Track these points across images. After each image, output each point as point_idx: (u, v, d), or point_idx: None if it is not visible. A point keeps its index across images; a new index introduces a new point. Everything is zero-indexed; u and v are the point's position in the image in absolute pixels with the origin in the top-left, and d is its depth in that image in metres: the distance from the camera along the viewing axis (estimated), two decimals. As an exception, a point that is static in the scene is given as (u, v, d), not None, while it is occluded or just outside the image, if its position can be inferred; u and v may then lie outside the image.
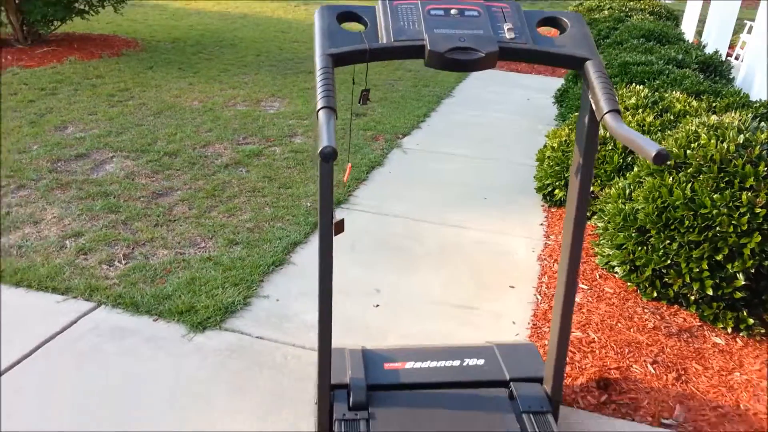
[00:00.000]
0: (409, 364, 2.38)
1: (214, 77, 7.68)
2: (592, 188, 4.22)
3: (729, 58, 7.36)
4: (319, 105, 1.60)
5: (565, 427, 2.49)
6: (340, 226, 1.87)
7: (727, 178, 3.14)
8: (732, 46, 11.17)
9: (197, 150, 5.13)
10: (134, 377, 2.65)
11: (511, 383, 2.29)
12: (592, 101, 1.78)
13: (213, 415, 2.47)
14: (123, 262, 3.45)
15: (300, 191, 4.48)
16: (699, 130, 3.44)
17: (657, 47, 6.87)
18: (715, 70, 6.67)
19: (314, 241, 3.86)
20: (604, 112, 1.69)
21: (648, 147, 1.48)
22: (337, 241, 3.87)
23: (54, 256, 3.46)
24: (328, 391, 2.14)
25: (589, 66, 1.80)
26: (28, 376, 2.61)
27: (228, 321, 3.03)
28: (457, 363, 2.40)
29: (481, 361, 2.42)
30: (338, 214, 4.24)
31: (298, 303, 3.19)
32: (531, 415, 2.17)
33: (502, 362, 2.39)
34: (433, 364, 2.39)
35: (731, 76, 6.97)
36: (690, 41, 7.77)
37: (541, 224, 4.30)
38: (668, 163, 3.40)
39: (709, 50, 7.46)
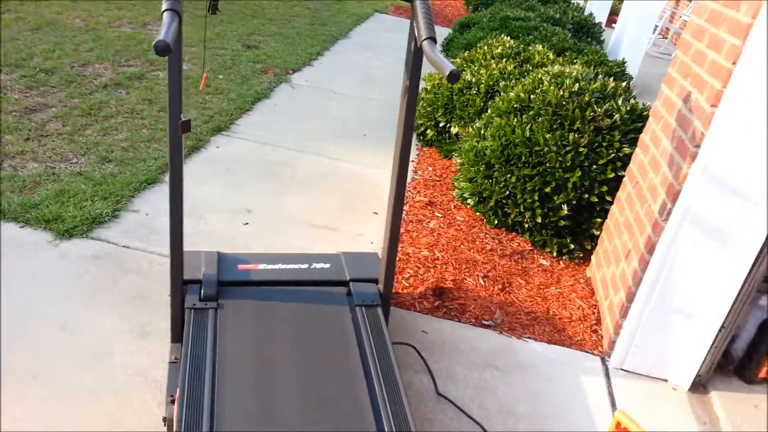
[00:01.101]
0: (261, 266, 2.64)
1: (101, -1, 7.38)
2: (456, 129, 4.59)
3: (612, 26, 7.94)
4: (164, 7, 1.77)
5: (401, 325, 2.86)
6: (186, 126, 2.04)
7: (559, 121, 3.57)
8: (615, 14, 11.92)
9: (75, 69, 5.03)
10: (-4, 277, 2.75)
11: (351, 283, 2.61)
12: (415, 29, 2.05)
13: (74, 310, 2.63)
14: (-11, 172, 3.45)
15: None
16: (543, 78, 3.85)
17: (538, 5, 7.31)
18: (588, 31, 7.22)
19: (191, 164, 3.99)
20: (423, 38, 1.97)
21: (445, 67, 1.78)
22: (214, 165, 4.03)
23: None
24: (181, 285, 2.36)
25: (416, 0, 2.06)
26: None
27: (95, 231, 3.16)
28: (305, 266, 2.69)
29: (327, 265, 2.72)
30: (217, 140, 4.38)
31: (167, 218, 3.35)
32: (364, 308, 2.50)
33: (345, 266, 2.70)
34: (284, 266, 2.67)
35: (602, 39, 7.55)
36: (575, 4, 8.30)
37: (412, 161, 4.63)
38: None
39: (587, 13, 8.02)
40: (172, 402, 2.10)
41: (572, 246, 3.62)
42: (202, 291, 2.41)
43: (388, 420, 2.04)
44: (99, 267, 2.91)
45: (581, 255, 3.64)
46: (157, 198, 3.53)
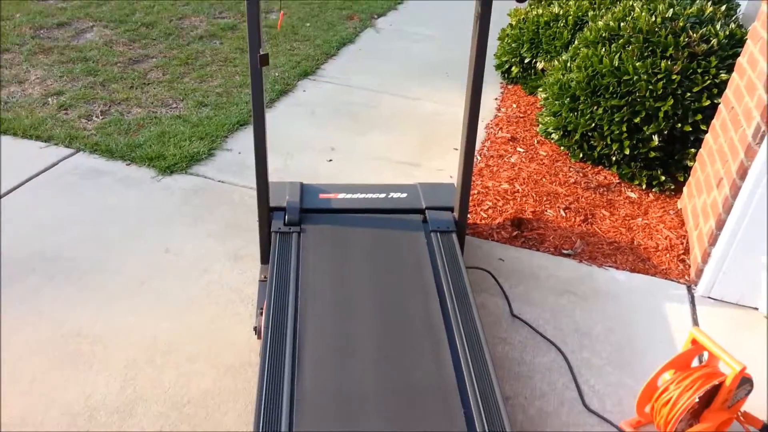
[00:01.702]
0: (341, 195, 2.77)
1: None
2: (542, 65, 4.48)
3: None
4: None
5: (478, 254, 2.92)
6: (264, 59, 2.17)
7: (651, 48, 3.40)
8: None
9: (173, 22, 5.33)
10: (110, 207, 3.05)
11: (426, 210, 2.68)
12: None
13: (176, 235, 2.89)
14: (100, 117, 3.78)
15: (270, 63, 4.73)
16: (634, 4, 3.66)
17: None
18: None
19: (279, 107, 4.17)
20: None
21: None
22: (300, 107, 4.18)
23: (37, 111, 3.79)
24: (267, 211, 2.54)
25: None
26: (18, 203, 3.02)
27: (193, 167, 3.41)
28: (383, 195, 2.79)
29: (404, 194, 2.80)
30: (303, 84, 4.53)
31: (258, 155, 3.56)
32: (438, 234, 2.58)
33: (421, 195, 2.78)
34: (362, 195, 2.78)
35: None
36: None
37: (496, 99, 4.58)
38: (602, 34, 3.65)
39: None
40: (261, 314, 2.29)
41: (663, 178, 3.48)
42: (286, 217, 2.57)
43: (461, 337, 2.12)
44: (197, 199, 3.16)
45: (672, 187, 3.50)
46: (248, 138, 3.74)
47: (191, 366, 2.23)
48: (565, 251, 3.00)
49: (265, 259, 2.59)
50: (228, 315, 2.47)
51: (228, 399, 2.11)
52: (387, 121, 4.10)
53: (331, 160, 3.62)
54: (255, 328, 2.31)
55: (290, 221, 2.57)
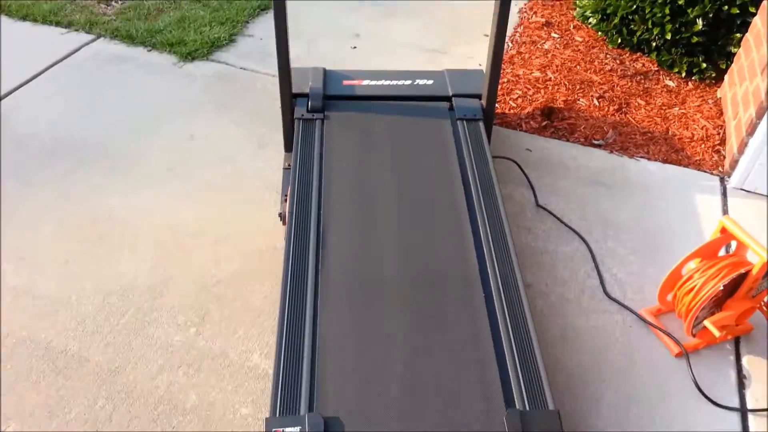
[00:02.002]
0: (365, 81, 2.69)
1: None
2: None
3: None
4: None
5: (505, 143, 2.86)
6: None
7: None
8: None
9: None
10: (133, 94, 3.03)
11: (453, 98, 2.60)
12: None
13: (200, 122, 2.87)
14: (119, 2, 3.67)
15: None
16: None
17: None
18: None
19: (302, -11, 3.99)
20: None
21: None
22: (324, -11, 4.00)
23: (55, -5, 3.70)
24: (290, 97, 2.48)
25: None
26: (41, 90, 3.01)
27: (215, 54, 3.33)
28: (408, 82, 2.70)
29: (430, 81, 2.71)
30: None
31: (280, 41, 3.45)
32: (465, 122, 2.51)
33: (448, 82, 2.68)
34: (387, 82, 2.70)
35: None
36: None
37: (531, -19, 4.31)
38: None
39: None
40: (285, 200, 2.30)
41: (704, 65, 3.30)
42: (309, 103, 2.52)
43: (484, 225, 2.11)
44: (219, 86, 3.11)
45: (713, 75, 3.32)
46: (270, 23, 3.58)
47: (219, 249, 2.28)
48: (595, 141, 2.91)
49: (288, 146, 2.57)
50: (253, 201, 2.49)
51: (255, 280, 2.17)
52: (414, 6, 3.91)
53: (355, 47, 3.50)
54: (280, 215, 2.34)
55: (313, 108, 2.52)
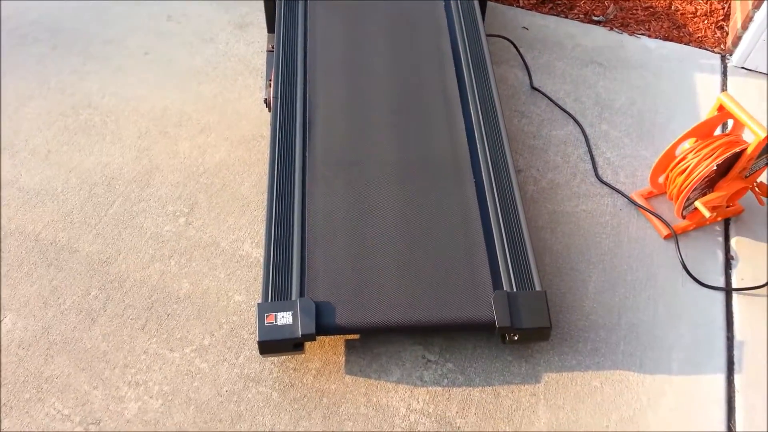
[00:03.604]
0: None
1: None
2: None
3: None
4: None
5: (501, 21, 2.71)
6: None
7: None
8: None
9: None
10: (102, -28, 2.83)
11: (446, -28, 2.44)
12: None
13: (178, 2, 2.70)
14: None
15: None
16: None
17: None
18: None
19: None
20: None
21: None
22: None
23: None
24: (271, -29, 2.32)
25: None
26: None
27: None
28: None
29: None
30: None
31: None
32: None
33: (441, -47, 2.50)
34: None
35: None
36: None
37: None
38: None
39: None
40: (270, 85, 2.21)
41: (714, -68, 3.08)
42: (292, -21, 2.35)
43: (476, 107, 2.05)
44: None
45: (723, -57, 3.11)
46: None
47: (204, 137, 2.22)
48: (595, 17, 2.77)
49: (271, 27, 2.43)
50: (237, 87, 2.39)
51: (242, 169, 2.13)
52: None
53: None
54: (265, 101, 2.25)
55: (296, -16, 2.36)
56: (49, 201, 2.02)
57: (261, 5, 2.68)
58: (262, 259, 1.88)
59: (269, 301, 1.63)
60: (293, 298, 1.63)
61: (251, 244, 1.94)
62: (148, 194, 2.05)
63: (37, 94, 2.32)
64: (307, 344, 1.73)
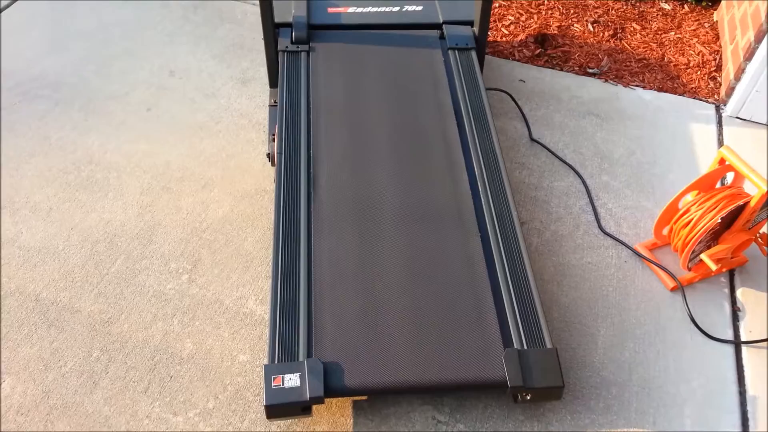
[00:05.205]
0: (351, 9, 2.56)
1: None
2: None
3: None
4: None
5: (498, 74, 2.76)
6: None
7: None
8: None
9: None
10: (107, 26, 2.86)
11: (444, 25, 2.48)
12: None
13: (179, 56, 2.73)
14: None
15: None
16: None
17: None
18: None
19: None
20: None
21: None
22: None
23: None
24: (272, 28, 2.36)
25: None
26: (11, 23, 2.84)
27: (190, -19, 3.14)
28: (397, 8, 2.57)
29: (419, 7, 2.58)
30: None
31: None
32: (457, 51, 2.41)
33: (438, 8, 2.55)
34: (375, 9, 2.56)
35: None
36: None
37: None
38: None
39: None
40: (273, 139, 2.22)
41: (701, -14, 3.18)
42: (293, 34, 2.39)
43: (478, 159, 2.06)
44: (197, 16, 2.95)
45: (711, -3, 3.21)
46: (248, -54, 3.40)
47: (207, 193, 2.22)
48: (590, 70, 2.83)
49: (273, 82, 2.46)
50: (240, 142, 2.40)
51: (246, 225, 2.12)
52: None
53: (339, -29, 3.31)
54: (268, 155, 2.26)
55: (298, 39, 2.39)
56: (50, 259, 1.99)
57: (262, 60, 2.72)
58: (267, 317, 1.86)
59: (276, 362, 1.60)
60: (301, 358, 1.60)
61: (255, 301, 1.92)
62: (151, 251, 2.03)
63: (39, 151, 2.32)
64: (315, 406, 1.69)
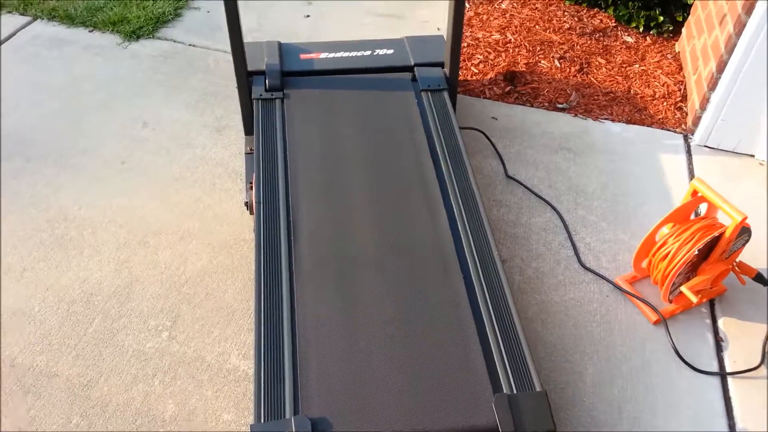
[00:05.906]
0: (323, 55, 2.59)
1: None
2: None
3: None
4: None
5: (470, 112, 2.80)
6: None
7: None
8: None
9: None
10: (78, 80, 2.85)
11: (415, 68, 2.52)
12: None
13: (151, 107, 2.72)
14: (50, -23, 3.43)
15: None
16: None
17: None
18: None
19: (247, -45, 3.79)
20: None
21: None
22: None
23: (-21, -26, 3.42)
24: (246, 76, 2.37)
25: None
26: (-26, 82, 2.81)
27: (161, 31, 3.15)
28: (368, 53, 2.60)
29: (390, 51, 2.62)
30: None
31: (229, 14, 3.28)
32: (429, 93, 2.44)
33: (409, 51, 2.60)
34: (346, 54, 2.59)
35: None
36: None
37: (484, -65, 4.18)
38: None
39: None
40: (251, 188, 2.21)
41: (661, 18, 3.28)
42: (267, 82, 2.40)
43: (456, 199, 2.07)
44: (168, 66, 2.95)
45: (671, 29, 3.31)
46: (217, -6, 3.43)
47: (185, 245, 2.19)
48: (559, 105, 2.88)
49: (248, 129, 2.46)
50: (216, 191, 2.39)
51: (225, 276, 2.10)
52: (366, -33, 3.77)
53: (308, 16, 3.35)
54: (246, 203, 2.25)
55: (272, 86, 2.41)
56: (25, 322, 1.94)
57: (236, 107, 2.71)
58: (250, 373, 1.82)
59: (262, 421, 1.56)
60: (287, 416, 1.57)
61: (238, 356, 1.88)
62: (129, 309, 1.99)
63: (11, 210, 2.28)
64: (304, 462, 1.65)
